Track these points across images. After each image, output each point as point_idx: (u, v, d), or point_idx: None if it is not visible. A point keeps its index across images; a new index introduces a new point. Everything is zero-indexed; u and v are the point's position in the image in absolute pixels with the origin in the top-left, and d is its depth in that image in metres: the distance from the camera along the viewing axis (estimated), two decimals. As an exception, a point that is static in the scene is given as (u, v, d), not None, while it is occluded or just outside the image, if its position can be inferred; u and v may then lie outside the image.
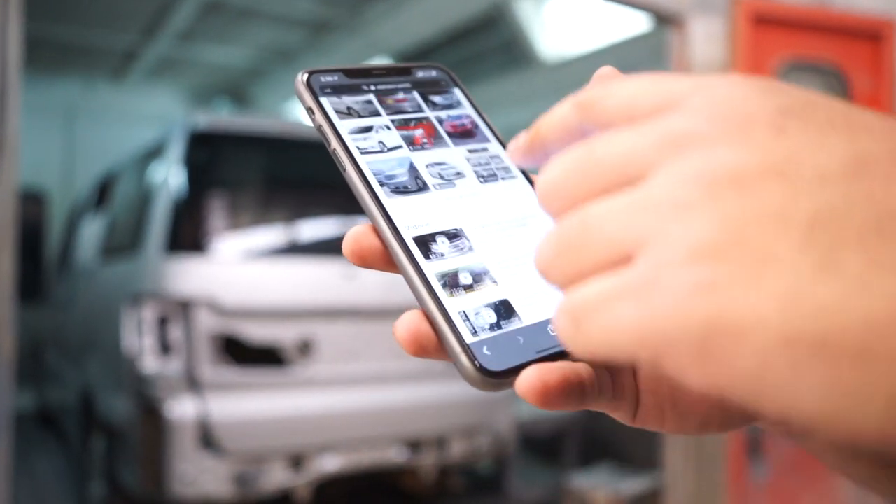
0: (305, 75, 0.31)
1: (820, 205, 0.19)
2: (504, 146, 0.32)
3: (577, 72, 4.75)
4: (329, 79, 0.31)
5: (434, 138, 0.31)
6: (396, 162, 0.29)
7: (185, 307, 2.70)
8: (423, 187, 0.29)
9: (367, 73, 0.32)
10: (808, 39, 3.03)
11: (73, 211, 5.33)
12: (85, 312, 3.85)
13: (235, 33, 5.86)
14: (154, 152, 3.26)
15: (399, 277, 0.28)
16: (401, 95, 0.32)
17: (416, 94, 0.32)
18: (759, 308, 0.18)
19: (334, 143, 0.29)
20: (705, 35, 3.03)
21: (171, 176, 2.91)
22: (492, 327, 0.25)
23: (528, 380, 0.24)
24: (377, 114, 0.31)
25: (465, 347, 0.25)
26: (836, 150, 0.19)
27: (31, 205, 6.87)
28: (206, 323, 2.71)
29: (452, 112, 0.32)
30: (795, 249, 0.18)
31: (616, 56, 4.40)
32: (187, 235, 2.79)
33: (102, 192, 4.22)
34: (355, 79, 0.32)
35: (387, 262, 0.28)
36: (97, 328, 3.44)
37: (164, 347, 2.75)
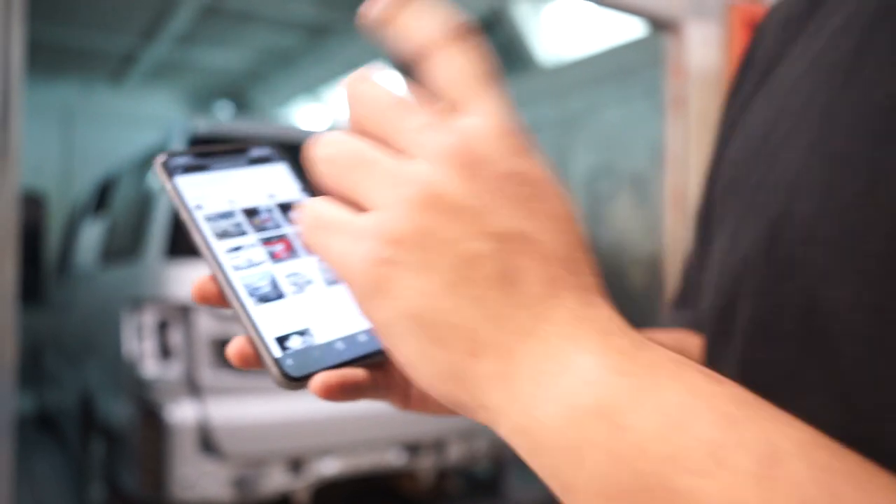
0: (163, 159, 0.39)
1: (477, 252, 0.26)
2: None
3: (574, 75, 4.77)
4: (187, 165, 0.40)
5: (290, 251, 0.39)
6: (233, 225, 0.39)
7: (185, 312, 2.72)
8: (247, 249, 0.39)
9: (212, 154, 0.40)
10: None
11: (73, 214, 5.34)
12: (84, 316, 3.86)
13: (234, 36, 5.87)
14: (154, 156, 3.28)
15: None
16: (265, 216, 0.40)
17: (275, 210, 0.40)
18: (406, 290, 0.26)
19: (190, 226, 0.38)
20: (701, 40, 3.06)
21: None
22: (294, 347, 0.36)
23: (315, 382, 0.34)
24: (238, 222, 0.39)
25: (274, 361, 0.34)
26: (503, 223, 0.27)
27: (30, 207, 6.87)
28: (206, 327, 2.73)
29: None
30: (447, 270, 0.26)
31: (613, 60, 4.42)
32: (187, 240, 2.81)
33: (102, 196, 4.23)
34: (205, 161, 0.40)
35: (222, 301, 0.36)
36: (97, 332, 3.46)
37: (165, 352, 2.76)
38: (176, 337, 2.75)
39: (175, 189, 0.38)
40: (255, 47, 6.16)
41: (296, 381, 0.34)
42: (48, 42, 6.03)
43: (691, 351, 0.48)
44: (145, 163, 3.42)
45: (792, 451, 0.23)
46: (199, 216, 0.38)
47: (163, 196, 2.93)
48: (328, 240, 0.28)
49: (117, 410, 3.04)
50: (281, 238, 0.39)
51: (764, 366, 0.33)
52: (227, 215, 0.39)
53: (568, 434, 0.24)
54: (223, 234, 0.38)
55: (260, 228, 0.39)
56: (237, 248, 0.38)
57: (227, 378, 2.77)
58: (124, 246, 3.29)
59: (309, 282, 0.38)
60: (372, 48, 5.63)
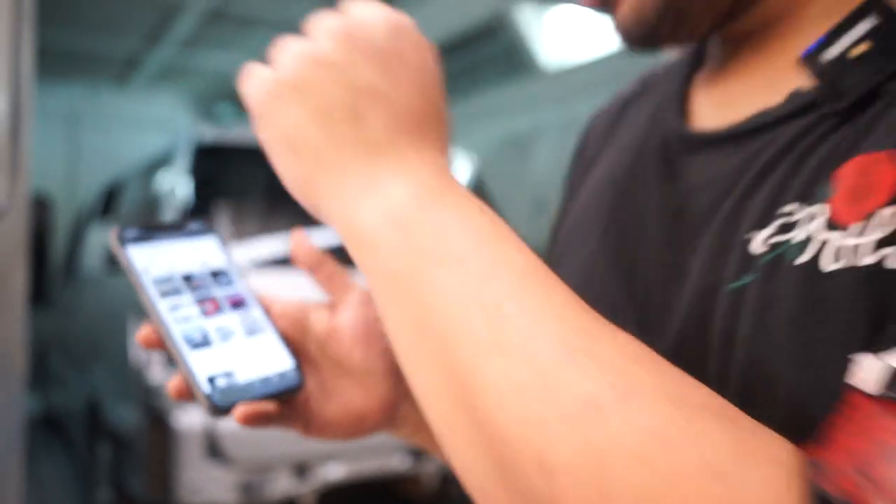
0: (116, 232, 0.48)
1: (338, 97, 0.36)
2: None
3: (577, 80, 4.79)
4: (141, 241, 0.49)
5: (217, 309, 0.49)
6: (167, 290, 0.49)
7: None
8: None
9: (157, 228, 0.50)
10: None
11: (79, 217, 5.37)
12: (91, 320, 3.89)
13: (238, 40, 5.90)
14: (160, 163, 3.31)
15: None
16: (198, 279, 0.49)
17: (207, 274, 0.50)
18: (282, 117, 0.37)
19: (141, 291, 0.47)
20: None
21: (176, 188, 2.95)
22: (220, 385, 0.45)
23: (236, 412, 0.44)
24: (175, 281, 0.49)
25: (204, 395, 0.44)
26: (365, 79, 0.36)
27: (36, 209, 6.92)
28: (212, 334, 2.76)
29: (227, 289, 0.50)
30: (313, 107, 0.36)
31: (616, 65, 4.44)
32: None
33: (109, 201, 4.26)
34: (151, 233, 0.49)
35: (163, 346, 0.46)
36: (103, 337, 3.49)
37: (171, 358, 2.79)
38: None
39: (126, 257, 0.47)
40: (258, 51, 6.18)
41: (221, 411, 0.44)
42: (53, 45, 6.06)
43: None
44: (151, 169, 3.45)
45: (520, 270, 0.32)
46: (146, 279, 0.46)
47: (169, 203, 2.96)
48: (247, 84, 0.39)
49: (124, 415, 3.07)
50: (211, 298, 0.48)
51: None
52: (168, 279, 0.47)
53: (372, 232, 0.34)
54: (164, 294, 0.47)
55: (194, 289, 0.48)
56: (176, 306, 0.46)
57: (233, 384, 2.80)
58: (131, 252, 3.32)
59: (233, 333, 0.48)
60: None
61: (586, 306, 0.31)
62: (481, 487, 0.30)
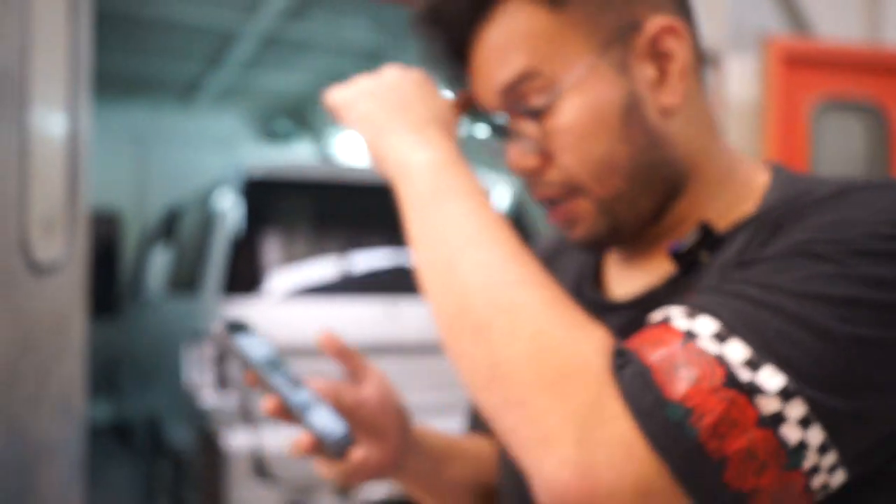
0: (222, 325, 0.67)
1: (391, 101, 0.61)
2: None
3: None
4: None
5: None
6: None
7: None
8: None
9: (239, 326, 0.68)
10: (846, 77, 3.03)
11: (144, 235, 5.65)
12: (153, 340, 4.12)
13: (293, 62, 6.10)
14: (213, 194, 3.49)
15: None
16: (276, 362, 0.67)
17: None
18: (361, 106, 0.62)
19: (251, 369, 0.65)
20: (740, 75, 3.07)
21: (227, 220, 3.12)
22: (334, 433, 0.64)
23: (359, 452, 0.69)
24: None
25: (334, 441, 0.63)
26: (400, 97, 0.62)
27: (106, 225, 7.29)
28: (259, 362, 2.90)
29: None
30: (376, 104, 0.61)
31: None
32: (242, 276, 2.99)
33: (170, 225, 4.49)
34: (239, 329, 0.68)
35: (288, 416, 0.66)
36: (163, 358, 3.69)
37: (222, 382, 2.95)
38: (233, 369, 2.94)
39: (237, 345, 0.65)
40: (312, 71, 6.38)
41: (346, 447, 0.61)
42: (119, 70, 6.39)
43: (483, 448, 0.81)
44: (206, 197, 3.64)
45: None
46: (259, 361, 0.64)
47: (220, 234, 3.13)
48: (334, 93, 0.64)
49: (180, 434, 3.25)
50: (290, 376, 0.65)
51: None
52: (266, 362, 0.65)
53: (416, 169, 0.56)
54: (272, 372, 0.64)
55: (279, 369, 0.65)
56: (281, 382, 0.64)
57: (279, 408, 2.94)
58: (187, 278, 3.51)
59: (312, 402, 0.64)
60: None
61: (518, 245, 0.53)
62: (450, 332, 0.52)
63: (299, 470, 2.92)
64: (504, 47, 0.57)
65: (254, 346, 0.65)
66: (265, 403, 0.64)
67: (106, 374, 5.59)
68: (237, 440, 2.87)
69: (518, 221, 3.61)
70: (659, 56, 0.57)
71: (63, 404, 1.89)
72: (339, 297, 3.12)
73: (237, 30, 5.24)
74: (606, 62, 0.56)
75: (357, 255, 3.28)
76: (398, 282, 3.22)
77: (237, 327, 0.66)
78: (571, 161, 0.57)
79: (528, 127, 0.58)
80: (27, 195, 1.57)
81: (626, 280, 0.65)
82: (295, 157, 7.87)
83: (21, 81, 1.53)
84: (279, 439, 2.92)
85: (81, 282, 2.00)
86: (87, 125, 1.98)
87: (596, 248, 0.64)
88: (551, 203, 0.60)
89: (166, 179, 7.12)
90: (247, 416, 2.92)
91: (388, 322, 3.09)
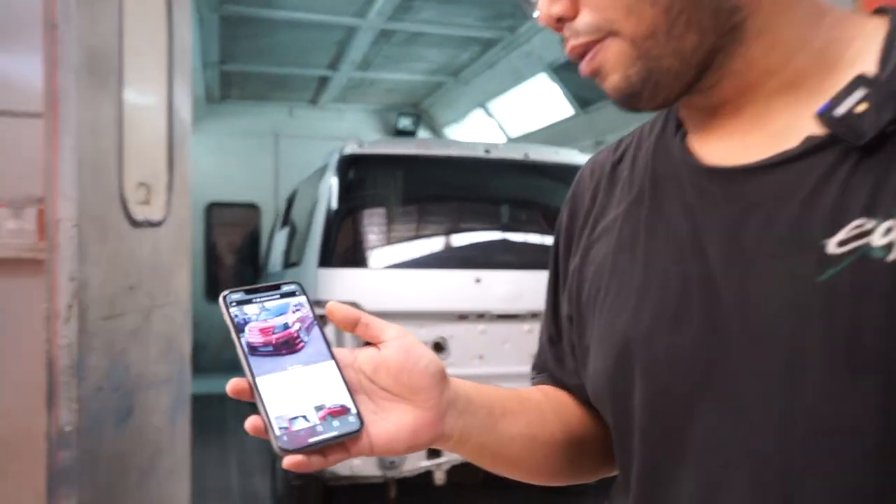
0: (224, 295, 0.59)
1: None
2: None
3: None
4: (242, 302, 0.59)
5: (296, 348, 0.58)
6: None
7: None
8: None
9: (257, 290, 0.60)
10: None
11: (274, 222, 6.13)
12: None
13: (408, 55, 6.38)
14: (318, 175, 3.77)
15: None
16: (287, 334, 0.58)
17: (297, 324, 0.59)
18: None
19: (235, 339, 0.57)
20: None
21: (326, 197, 3.38)
22: (291, 428, 0.54)
23: (286, 461, 0.53)
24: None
25: (274, 437, 0.53)
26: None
27: (249, 215, 7.96)
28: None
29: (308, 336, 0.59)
30: None
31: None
32: (338, 250, 3.24)
33: (289, 207, 4.87)
34: (252, 295, 0.60)
35: (251, 396, 0.55)
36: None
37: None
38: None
39: (228, 316, 0.57)
40: (427, 63, 6.62)
41: (287, 452, 0.52)
42: (258, 75, 6.93)
43: (559, 401, 0.72)
44: (314, 179, 3.93)
45: None
46: (242, 339, 0.56)
47: (318, 211, 3.39)
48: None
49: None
50: (295, 352, 0.57)
51: (663, 398, 0.54)
52: (259, 335, 0.57)
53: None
54: (254, 350, 0.56)
55: (282, 344, 0.57)
56: (262, 359, 0.56)
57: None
58: (295, 254, 3.82)
59: (308, 384, 0.56)
60: (529, 56, 5.84)
61: None
62: None
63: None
64: None
65: (256, 317, 0.58)
66: (228, 384, 0.56)
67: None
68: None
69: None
70: None
71: (167, 344, 2.17)
72: (429, 267, 3.30)
73: (354, 24, 5.56)
74: None
75: (445, 227, 3.44)
76: (484, 256, 3.36)
77: (251, 294, 0.59)
78: None
79: None
80: (124, 160, 1.84)
81: (727, 153, 0.54)
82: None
83: (119, 59, 1.80)
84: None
85: (183, 240, 2.28)
86: (186, 102, 2.26)
87: (633, 101, 0.54)
88: (584, 55, 0.54)
89: (295, 173, 7.66)
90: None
91: (475, 291, 3.22)
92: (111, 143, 1.79)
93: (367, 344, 0.60)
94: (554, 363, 0.74)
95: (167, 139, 2.15)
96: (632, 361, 0.56)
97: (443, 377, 0.59)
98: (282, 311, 0.59)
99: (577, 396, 0.72)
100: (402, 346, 0.59)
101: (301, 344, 0.57)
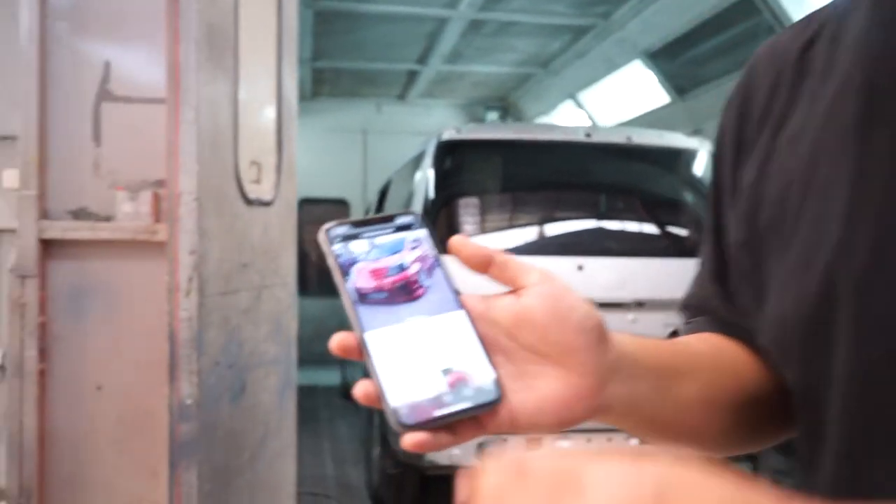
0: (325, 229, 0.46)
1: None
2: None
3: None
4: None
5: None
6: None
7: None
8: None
9: (366, 223, 0.47)
10: None
11: (365, 214, 6.20)
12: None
13: (497, 46, 6.32)
14: (414, 164, 3.76)
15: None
16: (404, 278, 0.46)
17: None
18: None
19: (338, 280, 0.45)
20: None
21: (423, 185, 3.35)
22: (412, 400, 0.42)
23: (404, 440, 0.41)
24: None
25: (391, 411, 0.41)
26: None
27: (338, 211, 8.10)
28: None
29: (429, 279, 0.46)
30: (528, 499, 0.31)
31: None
32: (436, 238, 3.21)
33: (381, 198, 4.88)
34: (360, 229, 0.47)
35: (359, 355, 0.43)
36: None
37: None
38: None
39: (331, 254, 0.45)
40: (516, 53, 6.55)
41: (409, 429, 0.40)
42: (348, 71, 7.02)
43: (730, 352, 0.58)
44: (410, 168, 3.92)
45: None
46: (349, 284, 0.44)
47: (417, 193, 3.37)
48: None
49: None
50: (414, 301, 0.45)
51: (880, 364, 0.41)
52: (371, 281, 0.44)
53: None
54: (364, 300, 0.44)
55: (398, 291, 0.45)
56: (375, 312, 0.44)
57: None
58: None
59: (433, 342, 0.43)
60: (623, 43, 5.69)
61: None
62: None
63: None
64: None
65: (366, 258, 0.45)
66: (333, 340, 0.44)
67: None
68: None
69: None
70: None
71: (276, 324, 2.18)
72: (529, 254, 3.23)
73: (445, 15, 5.55)
74: None
75: (547, 214, 3.36)
76: (587, 242, 3.26)
77: (359, 229, 0.46)
78: None
79: None
80: (239, 137, 1.85)
81: None
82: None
83: (234, 37, 1.81)
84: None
85: (290, 221, 2.29)
86: (292, 85, 2.27)
87: None
88: None
89: (383, 169, 7.73)
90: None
91: (576, 278, 3.14)
92: (228, 120, 1.80)
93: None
94: (719, 301, 0.60)
95: (276, 120, 2.16)
96: (836, 309, 0.44)
97: (602, 334, 0.46)
98: (397, 249, 0.46)
99: (747, 344, 0.57)
100: (549, 293, 0.45)
101: (421, 290, 0.45)
